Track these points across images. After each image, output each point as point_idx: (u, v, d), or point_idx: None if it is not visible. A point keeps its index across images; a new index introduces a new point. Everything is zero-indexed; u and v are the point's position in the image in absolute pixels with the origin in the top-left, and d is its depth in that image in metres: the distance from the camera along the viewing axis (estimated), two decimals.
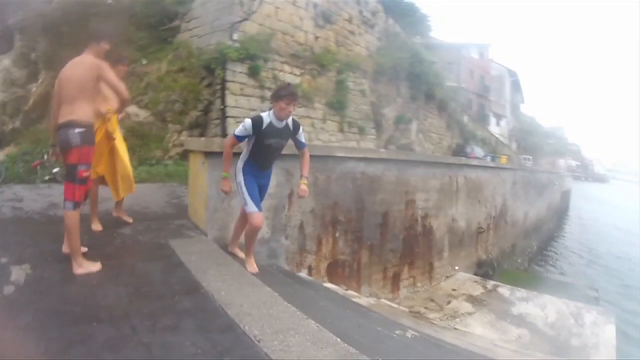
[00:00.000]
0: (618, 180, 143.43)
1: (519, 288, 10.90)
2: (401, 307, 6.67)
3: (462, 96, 31.41)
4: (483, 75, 38.39)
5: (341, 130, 16.39)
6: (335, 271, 7.11)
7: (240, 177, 4.48)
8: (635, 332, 13.95)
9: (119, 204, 5.51)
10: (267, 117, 4.41)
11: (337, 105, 16.12)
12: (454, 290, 10.32)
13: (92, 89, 3.64)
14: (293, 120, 4.54)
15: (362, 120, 17.69)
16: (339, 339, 2.87)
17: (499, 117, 40.82)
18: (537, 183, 24.83)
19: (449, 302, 9.45)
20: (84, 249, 3.86)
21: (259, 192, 4.59)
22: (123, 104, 4.49)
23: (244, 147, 4.60)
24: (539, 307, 9.86)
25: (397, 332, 3.81)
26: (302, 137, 4.69)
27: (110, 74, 3.76)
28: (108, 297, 3.12)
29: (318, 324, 3.09)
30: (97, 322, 2.71)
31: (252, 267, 4.57)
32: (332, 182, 6.85)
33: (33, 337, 2.49)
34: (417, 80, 22.00)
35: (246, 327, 2.84)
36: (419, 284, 9.67)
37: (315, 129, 14.92)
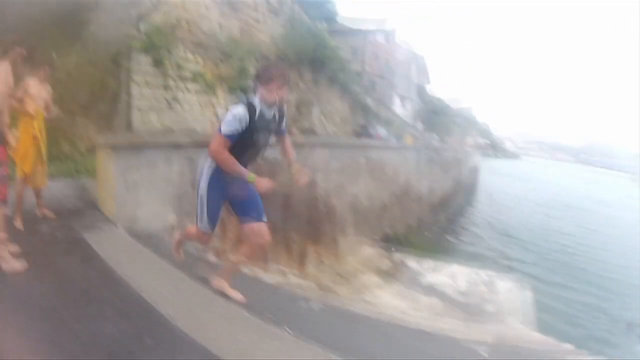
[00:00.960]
0: (531, 156, 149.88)
1: (426, 259, 11.30)
2: (309, 283, 7.01)
3: (366, 79, 31.95)
4: (388, 59, 39.08)
5: None
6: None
7: (204, 191, 3.64)
8: (554, 302, 14.70)
9: (40, 201, 5.60)
10: (257, 103, 3.53)
11: (239, 93, 16.29)
12: (361, 264, 10.55)
13: None
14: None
15: None
16: (248, 313, 3.28)
17: (404, 98, 41.76)
18: (443, 160, 25.66)
19: (356, 277, 9.65)
20: (15, 248, 3.98)
21: (249, 200, 3.76)
22: None
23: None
24: (449, 276, 10.20)
25: (304, 304, 4.21)
26: (284, 123, 3.94)
27: None
28: (36, 293, 3.31)
29: (227, 301, 3.48)
30: (30, 317, 2.93)
31: (238, 294, 3.83)
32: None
33: None
34: (321, 65, 22.40)
35: (161, 309, 3.14)
36: (325, 261, 9.94)
37: (219, 117, 15.02)
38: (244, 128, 3.40)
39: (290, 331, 3.23)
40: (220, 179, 3.58)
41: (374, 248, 12.26)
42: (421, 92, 49.99)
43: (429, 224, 19.99)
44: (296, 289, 5.34)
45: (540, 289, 13.91)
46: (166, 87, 13.15)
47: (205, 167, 3.62)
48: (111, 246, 4.54)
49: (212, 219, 3.69)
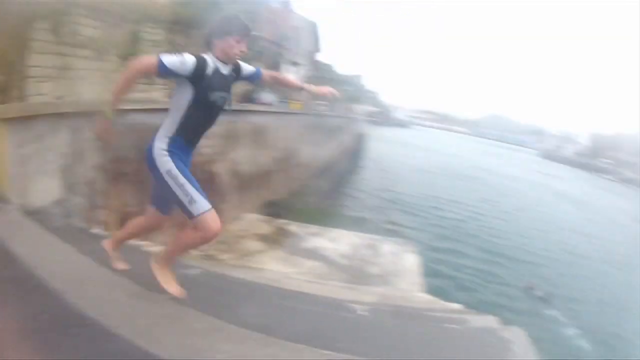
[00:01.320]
0: (423, 126, 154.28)
1: (309, 225, 11.53)
2: (192, 251, 7.00)
3: (258, 44, 31.79)
4: (282, 25, 39.04)
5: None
6: (126, 224, 7.36)
7: (169, 164, 3.05)
8: (445, 267, 15.25)
9: None
10: (210, 60, 3.10)
11: (129, 57, 15.77)
12: (243, 231, 10.70)
13: None
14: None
15: None
16: (129, 280, 3.42)
17: (295, 65, 41.85)
18: (329, 127, 26.05)
19: (239, 243, 9.80)
20: None
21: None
22: None
23: (170, 115, 3.18)
24: (332, 240, 10.53)
25: (183, 271, 4.25)
26: (248, 66, 3.55)
27: None
28: None
29: (112, 271, 3.59)
30: None
31: (175, 287, 3.36)
32: (115, 136, 6.99)
33: None
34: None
35: (52, 284, 3.18)
36: None
37: (109, 82, 14.53)
38: (188, 79, 2.97)
39: (171, 297, 3.31)
40: (180, 150, 3.15)
41: (257, 214, 12.39)
42: (312, 59, 50.25)
43: (313, 189, 20.26)
44: (178, 258, 5.36)
45: (429, 254, 14.44)
46: (61, 55, 12.51)
47: (159, 143, 3.14)
48: (5, 225, 4.46)
49: (200, 191, 3.07)
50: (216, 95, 3.10)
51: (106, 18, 14.99)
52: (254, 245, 9.75)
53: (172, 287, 3.32)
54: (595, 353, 12.10)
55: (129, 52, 16.02)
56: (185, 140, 3.17)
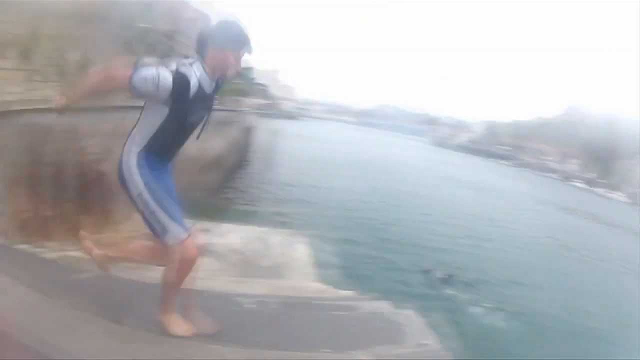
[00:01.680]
0: (313, 117, 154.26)
1: (198, 220, 11.50)
2: (86, 256, 6.92)
3: (151, 37, 31.08)
4: (177, 18, 38.42)
5: (29, 80, 15.27)
6: (25, 230, 7.12)
7: (141, 186, 2.70)
8: (336, 257, 15.11)
9: None
10: (195, 76, 2.70)
11: (28, 54, 15.06)
12: (134, 231, 10.38)
13: None
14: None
15: (47, 67, 16.57)
16: (27, 288, 3.50)
17: (187, 58, 41.21)
18: (217, 120, 25.79)
19: (130, 244, 9.52)
20: None
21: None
22: None
23: (141, 128, 2.80)
24: (221, 235, 10.51)
25: (77, 275, 4.33)
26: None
27: None
28: None
29: (11, 279, 3.62)
30: None
31: (182, 326, 3.07)
32: (9, 138, 6.76)
33: None
34: (108, 23, 21.30)
35: None
36: (101, 230, 9.60)
37: (6, 81, 13.81)
38: (163, 101, 2.61)
39: (65, 301, 3.44)
40: (153, 164, 2.76)
41: None
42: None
43: (201, 184, 20.07)
44: (74, 263, 5.34)
45: (321, 245, 14.43)
46: None
47: (130, 157, 2.74)
48: None
49: (174, 212, 2.74)
50: (194, 117, 2.83)
51: (6, 12, 14.22)
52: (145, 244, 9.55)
53: (181, 328, 3.05)
54: (510, 328, 12.95)
55: (27, 48, 15.27)
56: (157, 155, 2.81)
